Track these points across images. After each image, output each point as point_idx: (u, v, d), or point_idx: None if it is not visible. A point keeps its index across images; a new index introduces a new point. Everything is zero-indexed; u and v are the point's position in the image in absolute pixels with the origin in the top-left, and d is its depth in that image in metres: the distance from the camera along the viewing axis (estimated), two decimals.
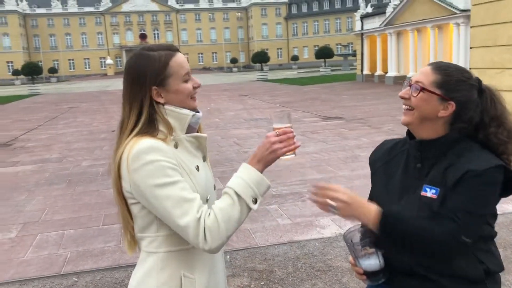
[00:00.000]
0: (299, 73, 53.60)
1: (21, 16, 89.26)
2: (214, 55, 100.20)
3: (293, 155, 1.51)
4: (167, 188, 1.40)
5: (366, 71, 32.31)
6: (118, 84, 47.97)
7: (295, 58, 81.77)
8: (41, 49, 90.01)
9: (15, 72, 71.88)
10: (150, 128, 1.49)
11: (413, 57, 26.80)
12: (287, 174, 7.53)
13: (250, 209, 1.45)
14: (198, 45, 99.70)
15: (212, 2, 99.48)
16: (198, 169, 1.54)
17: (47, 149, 11.33)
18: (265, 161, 1.48)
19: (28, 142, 12.66)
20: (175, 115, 1.52)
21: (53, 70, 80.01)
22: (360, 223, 1.58)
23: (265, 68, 68.83)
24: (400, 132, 10.00)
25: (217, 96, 25.86)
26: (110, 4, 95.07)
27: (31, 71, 47.04)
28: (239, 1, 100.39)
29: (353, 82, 31.50)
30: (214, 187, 1.66)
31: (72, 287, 4.10)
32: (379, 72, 30.67)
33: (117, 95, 30.66)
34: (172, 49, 1.53)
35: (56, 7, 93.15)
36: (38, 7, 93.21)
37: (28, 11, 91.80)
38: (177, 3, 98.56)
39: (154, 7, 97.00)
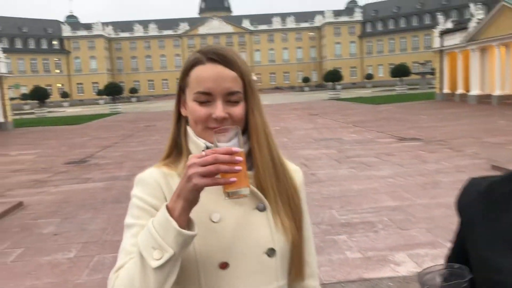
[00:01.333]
0: (373, 92, 52.05)
1: (106, 40, 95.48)
2: (286, 74, 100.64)
3: (241, 191, 0.98)
4: (125, 231, 1.10)
5: (446, 90, 30.55)
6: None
7: (369, 76, 79.94)
8: (123, 71, 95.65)
9: (99, 92, 76.70)
10: (176, 147, 1.21)
11: (499, 75, 24.88)
12: (358, 200, 6.93)
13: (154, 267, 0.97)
14: (270, 65, 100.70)
15: (285, 23, 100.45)
16: (217, 219, 1.11)
17: (119, 166, 11.53)
18: (185, 194, 0.96)
19: (102, 159, 13.01)
20: (192, 140, 1.17)
21: (133, 90, 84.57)
22: (442, 262, 1.10)
23: (338, 87, 67.81)
24: (486, 156, 9.11)
25: (286, 115, 25.55)
26: (188, 27, 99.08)
27: (113, 91, 49.81)
28: (312, 21, 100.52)
29: (431, 101, 29.88)
30: (271, 251, 1.13)
31: None
32: (460, 90, 28.85)
33: None
34: (206, 55, 1.14)
35: (138, 31, 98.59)
36: (122, 31, 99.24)
37: (113, 35, 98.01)
38: (251, 25, 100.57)
39: (229, 29, 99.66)
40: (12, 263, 5.24)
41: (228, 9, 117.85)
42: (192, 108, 1.13)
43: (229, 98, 1.11)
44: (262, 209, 1.14)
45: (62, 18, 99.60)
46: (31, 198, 8.40)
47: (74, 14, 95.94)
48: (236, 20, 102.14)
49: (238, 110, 1.13)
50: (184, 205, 0.96)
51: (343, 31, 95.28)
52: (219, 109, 1.09)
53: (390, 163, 9.78)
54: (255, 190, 1.14)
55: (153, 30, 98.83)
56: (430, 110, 23.60)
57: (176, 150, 1.20)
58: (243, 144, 1.08)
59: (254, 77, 1.20)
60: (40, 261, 5.20)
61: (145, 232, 0.99)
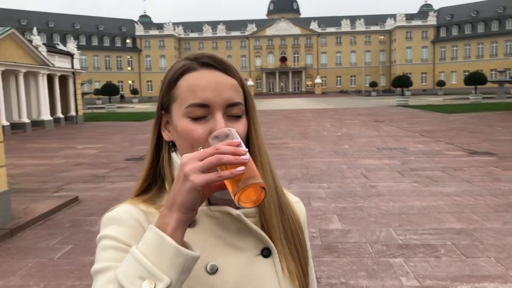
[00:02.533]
0: (445, 100, 49.59)
1: (176, 39, 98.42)
2: (353, 78, 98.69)
3: (257, 181, 0.73)
4: (95, 280, 0.82)
5: None
6: (256, 105, 49.44)
7: (441, 83, 76.42)
8: None
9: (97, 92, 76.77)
10: (153, 180, 0.96)
11: None
12: (420, 219, 6.40)
13: None
14: (337, 68, 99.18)
15: (354, 26, 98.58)
16: (214, 271, 0.86)
17: None
18: (180, 200, 0.73)
19: None
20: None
21: None
22: None
23: (407, 93, 65.39)
24: None
25: (349, 121, 24.82)
26: (255, 29, 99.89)
27: (109, 91, 50.80)
28: (383, 25, 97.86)
29: (509, 112, 27.89)
30: None
31: None
32: None
33: None
34: (199, 60, 0.90)
35: (207, 32, 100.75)
36: (191, 31, 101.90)
37: (182, 35, 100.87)
38: (319, 27, 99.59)
39: (297, 31, 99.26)
40: (58, 259, 5.27)
41: (296, 11, 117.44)
42: (184, 128, 0.87)
43: (229, 112, 0.88)
44: (267, 254, 0.91)
45: (136, 18, 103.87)
46: (86, 194, 8.58)
47: (147, 14, 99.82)
48: (304, 22, 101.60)
49: (241, 126, 0.89)
50: (179, 217, 0.73)
51: (415, 35, 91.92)
52: (220, 124, 0.84)
53: (458, 179, 9.05)
54: (259, 231, 0.90)
55: (221, 31, 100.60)
56: (507, 121, 21.96)
57: (156, 184, 0.95)
58: None
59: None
60: (84, 261, 5.19)
61: (127, 260, 0.74)
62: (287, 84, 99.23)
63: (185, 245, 0.75)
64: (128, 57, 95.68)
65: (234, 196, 0.73)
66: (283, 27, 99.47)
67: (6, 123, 22.07)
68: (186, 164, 0.72)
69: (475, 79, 48.77)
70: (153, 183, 0.95)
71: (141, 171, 0.98)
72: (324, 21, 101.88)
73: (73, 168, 11.62)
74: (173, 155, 0.93)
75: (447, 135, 16.66)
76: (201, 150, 0.74)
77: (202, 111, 0.86)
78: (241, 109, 0.89)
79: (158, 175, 0.95)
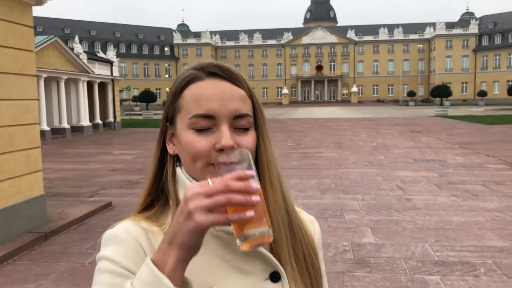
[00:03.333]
0: (486, 111, 48.02)
1: (213, 48, 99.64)
2: (390, 87, 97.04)
3: (263, 232, 0.69)
4: None
5: None
6: (291, 113, 49.42)
7: (482, 93, 74.16)
8: None
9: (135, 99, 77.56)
10: (156, 196, 0.91)
11: None
12: (458, 235, 6.13)
13: None
14: (374, 77, 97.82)
15: (392, 34, 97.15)
16: None
17: None
18: (181, 238, 0.68)
19: None
20: (184, 185, 0.87)
21: None
22: None
23: (446, 103, 63.78)
24: None
25: (386, 130, 24.33)
26: (291, 37, 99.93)
27: (146, 98, 51.50)
28: (422, 33, 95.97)
29: None
30: None
31: None
32: None
33: (287, 124, 31.32)
34: (205, 69, 0.85)
35: (243, 40, 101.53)
36: (228, 40, 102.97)
37: (219, 44, 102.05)
38: (356, 35, 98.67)
39: (333, 39, 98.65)
40: (89, 265, 5.32)
41: (333, 19, 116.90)
42: (187, 140, 0.82)
43: (236, 124, 0.82)
44: (276, 279, 0.84)
45: (174, 26, 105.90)
46: (120, 199, 8.69)
47: (185, 22, 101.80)
48: (341, 31, 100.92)
49: (249, 139, 0.83)
50: (179, 255, 0.68)
51: (456, 44, 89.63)
52: (226, 136, 0.79)
53: (500, 193, 8.66)
54: (268, 253, 0.84)
55: (257, 39, 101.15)
56: None
57: (159, 200, 0.90)
58: None
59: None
60: None
61: None
62: (323, 93, 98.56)
63: (185, 283, 0.69)
64: (166, 65, 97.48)
65: (237, 239, 0.69)
66: (319, 35, 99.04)
67: (46, 128, 22.81)
68: (191, 200, 0.66)
69: None
70: (156, 199, 0.90)
71: (143, 187, 0.93)
72: (361, 30, 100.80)
73: (108, 174, 11.83)
74: (178, 170, 0.88)
75: (488, 147, 16.06)
76: (209, 181, 0.67)
77: (206, 123, 0.81)
78: (249, 121, 0.84)
79: (162, 191, 0.90)
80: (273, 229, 0.83)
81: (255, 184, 0.67)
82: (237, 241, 0.69)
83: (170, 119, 0.88)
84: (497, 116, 36.64)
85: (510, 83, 59.60)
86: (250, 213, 0.66)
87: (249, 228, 0.68)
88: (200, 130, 0.81)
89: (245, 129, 0.83)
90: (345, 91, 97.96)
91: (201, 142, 0.81)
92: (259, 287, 0.83)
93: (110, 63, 32.02)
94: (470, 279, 4.68)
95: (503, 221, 6.78)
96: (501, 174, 10.82)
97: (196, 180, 0.84)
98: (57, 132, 24.26)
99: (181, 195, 0.86)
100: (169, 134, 0.89)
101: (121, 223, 0.87)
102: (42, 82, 22.25)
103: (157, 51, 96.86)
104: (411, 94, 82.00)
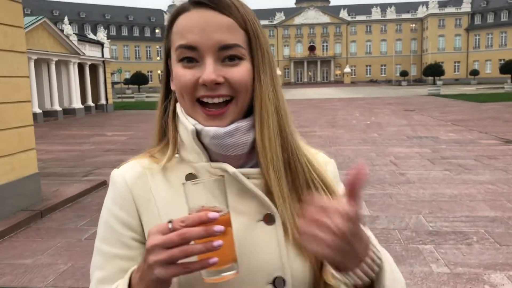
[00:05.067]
0: (478, 89, 48.17)
1: None
2: (383, 67, 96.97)
3: (225, 270, 0.69)
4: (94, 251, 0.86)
5: None
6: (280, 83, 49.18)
7: (474, 72, 74.28)
8: None
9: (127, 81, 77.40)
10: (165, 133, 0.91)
11: None
12: (451, 207, 6.20)
13: None
14: (367, 57, 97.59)
15: (385, 14, 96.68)
16: None
17: None
18: (146, 283, 0.70)
19: None
20: (181, 121, 0.86)
21: None
22: None
23: (439, 82, 63.88)
24: None
25: (379, 110, 24.38)
26: (283, 18, 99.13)
27: (138, 80, 51.18)
28: (415, 12, 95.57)
29: None
30: (279, 282, 0.80)
31: None
32: None
33: None
34: (191, 0, 0.82)
35: None
36: None
37: None
38: (349, 15, 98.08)
39: (326, 19, 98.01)
40: (86, 240, 5.34)
41: None
42: (176, 74, 0.81)
43: (224, 55, 0.78)
44: (270, 221, 0.81)
45: (165, 8, 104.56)
46: None
47: (176, 3, 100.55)
48: (334, 10, 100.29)
49: (239, 72, 0.79)
50: None
51: (448, 23, 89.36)
52: (208, 70, 0.77)
53: (492, 167, 8.74)
54: (261, 194, 0.81)
55: None
56: None
57: (164, 138, 0.90)
58: (248, 131, 0.81)
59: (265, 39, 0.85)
60: None
61: None
62: (316, 74, 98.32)
63: None
64: (157, 47, 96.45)
65: (202, 276, 0.69)
66: (312, 15, 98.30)
67: (38, 110, 22.61)
68: (150, 253, 0.66)
69: (510, 67, 47.16)
70: (164, 137, 0.90)
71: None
72: (354, 9, 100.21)
73: (102, 154, 11.80)
74: (177, 106, 0.87)
75: (481, 124, 16.15)
76: (169, 225, 0.65)
77: (190, 54, 0.79)
78: (240, 52, 0.79)
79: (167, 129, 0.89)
80: (265, 173, 0.81)
81: (217, 226, 0.65)
82: (202, 273, 0.69)
83: (168, 53, 0.86)
84: (489, 94, 36.79)
85: (502, 62, 59.69)
86: (213, 259, 0.65)
87: (214, 267, 0.67)
88: (188, 64, 0.79)
89: (235, 60, 0.79)
90: (338, 72, 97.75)
91: (187, 76, 0.79)
92: (252, 228, 0.81)
93: (101, 44, 31.66)
94: (463, 247, 4.75)
95: (495, 193, 6.86)
96: (492, 149, 10.91)
97: (189, 116, 0.83)
98: (49, 114, 24.07)
99: (181, 132, 0.85)
100: (171, 71, 0.87)
101: (126, 163, 0.88)
102: (32, 64, 21.98)
103: (147, 33, 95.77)
104: (404, 74, 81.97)
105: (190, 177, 0.81)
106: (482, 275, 4.11)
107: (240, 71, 0.79)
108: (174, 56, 0.82)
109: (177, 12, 0.83)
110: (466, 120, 17.66)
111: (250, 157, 0.84)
